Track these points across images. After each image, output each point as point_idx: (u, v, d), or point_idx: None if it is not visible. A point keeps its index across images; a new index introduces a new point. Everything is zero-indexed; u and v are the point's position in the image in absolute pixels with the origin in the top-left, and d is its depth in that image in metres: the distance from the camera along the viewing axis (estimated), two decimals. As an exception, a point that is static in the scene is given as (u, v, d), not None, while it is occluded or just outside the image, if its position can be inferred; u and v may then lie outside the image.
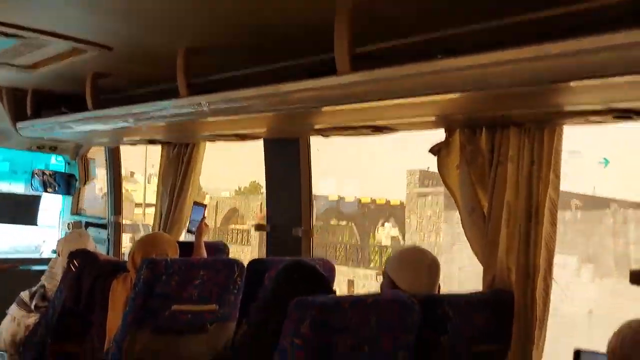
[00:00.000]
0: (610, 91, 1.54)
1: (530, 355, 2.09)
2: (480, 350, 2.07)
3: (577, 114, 1.77)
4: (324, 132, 2.62)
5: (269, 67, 2.66)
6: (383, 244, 21.34)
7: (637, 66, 1.26)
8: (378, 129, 2.39)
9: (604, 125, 1.87)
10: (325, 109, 2.21)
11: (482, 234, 2.28)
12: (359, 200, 22.64)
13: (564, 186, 2.16)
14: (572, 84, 1.46)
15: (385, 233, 23.45)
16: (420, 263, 2.17)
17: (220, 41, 2.44)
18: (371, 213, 22.90)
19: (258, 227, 3.17)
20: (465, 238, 2.33)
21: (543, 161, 2.10)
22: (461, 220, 2.38)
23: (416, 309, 1.86)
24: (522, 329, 2.10)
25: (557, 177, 2.11)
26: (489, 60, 1.54)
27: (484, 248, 2.26)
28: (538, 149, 2.09)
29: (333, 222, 21.68)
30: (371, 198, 23.08)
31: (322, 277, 2.04)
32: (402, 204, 22.42)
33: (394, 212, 22.71)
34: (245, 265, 2.56)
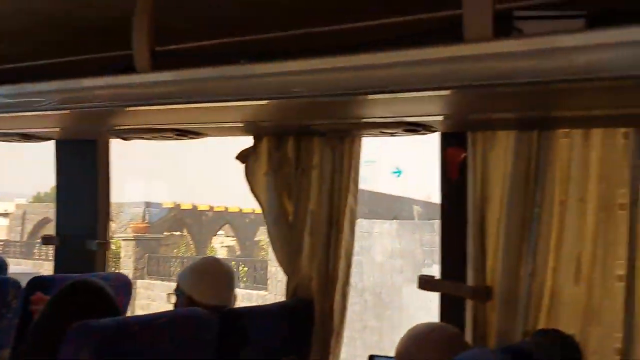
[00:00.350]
0: (401, 105, 1.62)
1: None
2: (281, 360, 2.06)
3: (373, 125, 1.85)
4: (125, 134, 2.43)
5: (62, 60, 2.39)
6: (218, 255, 20.23)
7: (424, 82, 1.33)
8: (183, 133, 2.28)
9: (398, 136, 1.98)
10: (125, 109, 2.05)
11: (287, 242, 2.28)
12: (196, 208, 21.27)
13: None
14: (367, 97, 1.50)
15: (219, 243, 22.24)
16: (218, 273, 2.08)
17: (6, 29, 2.14)
18: (209, 221, 21.67)
19: (45, 240, 2.82)
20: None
21: (343, 170, 2.17)
22: (267, 228, 2.37)
23: (214, 324, 1.78)
24: (320, 339, 2.14)
25: (356, 185, 2.20)
26: (290, 69, 1.53)
27: (288, 256, 2.26)
28: (339, 158, 2.16)
29: (167, 232, 20.17)
30: (210, 205, 21.82)
31: (108, 296, 1.85)
32: (241, 210, 21.64)
33: (233, 220, 21.53)
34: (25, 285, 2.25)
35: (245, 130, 2.31)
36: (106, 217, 2.77)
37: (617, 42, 1.18)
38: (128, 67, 1.93)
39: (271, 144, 2.32)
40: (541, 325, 1.77)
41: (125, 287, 2.35)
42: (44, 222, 23.39)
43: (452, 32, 1.32)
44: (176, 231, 20.90)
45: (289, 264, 2.26)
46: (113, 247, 17.83)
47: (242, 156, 2.40)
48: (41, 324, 1.76)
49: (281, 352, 2.06)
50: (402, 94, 1.40)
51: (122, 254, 17.69)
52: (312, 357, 2.15)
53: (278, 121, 2.04)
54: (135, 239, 17.77)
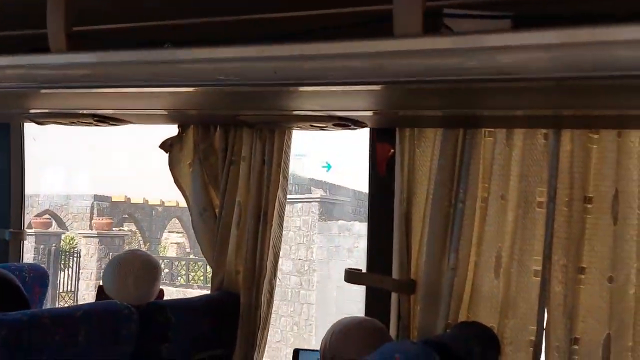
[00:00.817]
0: (331, 99, 1.60)
1: (252, 358, 2.10)
2: (204, 356, 2.00)
3: (303, 118, 1.82)
4: (40, 119, 2.28)
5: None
6: (167, 254, 18.65)
7: (353, 76, 1.31)
8: (103, 119, 2.16)
9: (327, 131, 1.96)
10: (39, 91, 1.91)
11: (213, 235, 2.22)
12: (147, 202, 20.16)
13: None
14: (296, 88, 1.47)
15: (168, 241, 20.61)
16: (128, 268, 1.92)
17: None
18: (159, 217, 20.68)
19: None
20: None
21: (273, 162, 2.13)
22: (192, 220, 2.30)
23: (134, 318, 1.70)
24: (246, 332, 2.10)
25: (286, 178, 2.17)
26: (217, 56, 1.47)
27: (214, 249, 2.21)
28: (269, 150, 2.12)
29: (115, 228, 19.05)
30: (161, 200, 20.71)
31: (17, 289, 1.73)
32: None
33: (182, 216, 19.65)
34: None
35: (169, 119, 2.22)
36: (19, 204, 2.60)
37: (540, 44, 1.20)
38: (42, 47, 1.81)
39: (197, 133, 2.24)
40: (462, 317, 1.82)
41: (41, 278, 2.22)
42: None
43: (382, 27, 1.31)
44: (122, 227, 19.64)
45: (215, 257, 2.20)
46: (67, 243, 16.63)
47: (166, 145, 2.31)
48: None
49: (206, 346, 2.01)
50: (331, 87, 1.38)
51: (82, 252, 16.18)
52: (237, 351, 2.11)
53: (204, 110, 1.98)
54: (99, 236, 16.24)
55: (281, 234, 2.17)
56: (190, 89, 1.59)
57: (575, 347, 1.68)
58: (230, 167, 2.18)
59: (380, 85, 1.36)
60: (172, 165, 2.30)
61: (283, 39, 1.36)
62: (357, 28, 1.36)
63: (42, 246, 15.52)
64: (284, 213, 2.18)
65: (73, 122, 2.28)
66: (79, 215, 19.34)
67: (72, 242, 17.37)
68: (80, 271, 15.88)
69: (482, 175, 1.82)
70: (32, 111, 2.29)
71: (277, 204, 2.15)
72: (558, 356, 1.68)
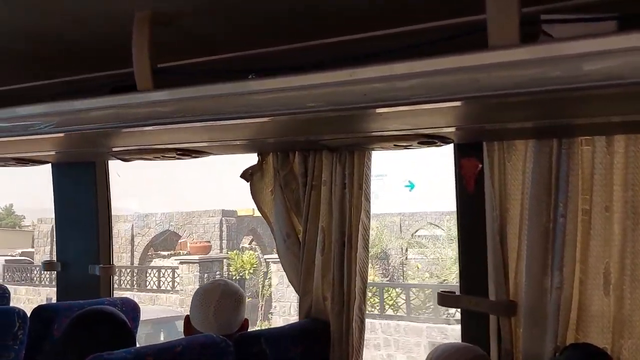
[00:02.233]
0: (417, 117, 1.55)
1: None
2: (298, 386, 1.97)
3: (387, 138, 1.78)
4: (125, 156, 2.35)
5: (58, 81, 2.32)
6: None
7: (447, 93, 1.26)
8: (186, 153, 2.20)
9: (411, 149, 1.91)
10: (125, 129, 1.97)
11: (298, 261, 2.20)
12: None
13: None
14: (384, 109, 1.43)
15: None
16: (209, 298, 1.93)
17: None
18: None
19: (47, 266, 2.73)
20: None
21: (354, 185, 2.10)
22: (276, 247, 2.29)
23: (232, 351, 1.69)
24: (338, 358, 2.05)
25: (368, 200, 2.12)
26: (297, 84, 1.45)
27: (300, 276, 2.18)
28: (349, 173, 2.09)
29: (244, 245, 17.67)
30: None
31: (124, 324, 1.77)
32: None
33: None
34: (29, 314, 2.16)
35: (249, 148, 2.23)
36: (108, 240, 2.68)
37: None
38: (128, 86, 1.86)
39: (277, 160, 2.25)
40: (570, 340, 1.71)
41: (133, 311, 2.27)
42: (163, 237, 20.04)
43: (476, 39, 1.25)
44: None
45: (300, 283, 2.18)
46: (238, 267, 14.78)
47: (247, 174, 2.33)
48: (55, 356, 1.68)
49: (298, 376, 1.98)
50: (423, 105, 1.33)
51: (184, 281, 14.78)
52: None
53: (283, 137, 1.97)
54: (200, 261, 14.72)
55: (367, 258, 2.12)
56: (276, 118, 1.59)
57: None
58: (312, 192, 2.16)
59: (472, 100, 1.30)
60: (254, 193, 2.31)
61: (372, 59, 1.32)
62: (449, 41, 1.31)
63: (205, 274, 14.34)
64: (368, 236, 2.13)
65: (157, 157, 2.33)
66: (207, 235, 18.09)
67: (248, 266, 15.28)
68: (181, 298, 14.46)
69: (583, 186, 1.71)
70: (116, 149, 2.36)
71: (360, 227, 2.11)
72: (686, 379, 1.55)
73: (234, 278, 14.52)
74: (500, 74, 1.23)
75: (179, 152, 2.22)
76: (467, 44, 1.27)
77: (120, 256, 19.55)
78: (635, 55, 1.14)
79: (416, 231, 18.40)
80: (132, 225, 19.92)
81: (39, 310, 2.15)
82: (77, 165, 2.69)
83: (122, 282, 16.69)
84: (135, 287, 16.52)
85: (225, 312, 1.92)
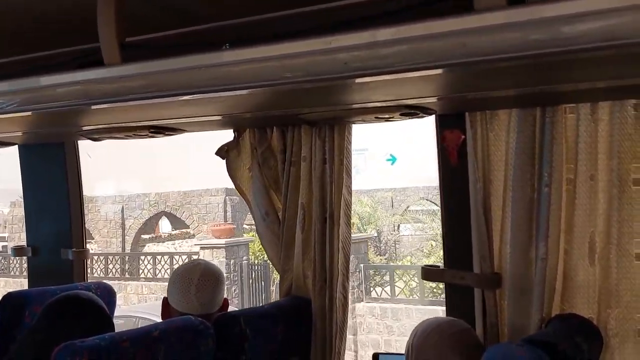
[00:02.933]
0: (400, 87, 1.50)
1: (330, 363, 2.02)
2: (282, 366, 1.93)
3: (368, 110, 1.72)
4: (94, 135, 2.25)
5: (21, 58, 2.20)
6: None
7: (433, 59, 1.21)
8: (159, 130, 2.11)
9: (392, 121, 1.86)
10: (94, 107, 1.87)
11: (278, 239, 2.15)
12: None
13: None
14: (366, 79, 1.37)
15: None
16: (189, 278, 1.89)
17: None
18: None
19: (17, 251, 2.63)
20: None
21: (335, 160, 2.04)
22: (255, 225, 2.24)
23: (211, 333, 1.64)
24: (321, 338, 2.02)
25: (349, 175, 2.07)
26: (273, 53, 1.38)
27: (280, 254, 2.13)
28: (330, 148, 2.03)
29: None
30: None
31: (101, 309, 1.71)
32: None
33: None
34: (-1, 301, 2.08)
35: (225, 124, 2.16)
36: (80, 223, 2.59)
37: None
38: (94, 62, 1.76)
39: (254, 136, 2.18)
40: (556, 310, 1.69)
41: (109, 295, 2.20)
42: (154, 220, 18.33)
43: (458, 2, 1.20)
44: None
45: (281, 262, 2.13)
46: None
47: (223, 151, 2.26)
48: (28, 344, 1.61)
49: (282, 354, 1.94)
50: (407, 73, 1.27)
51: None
52: (313, 358, 2.03)
53: (263, 112, 1.90)
54: (226, 245, 12.62)
55: (350, 235, 2.08)
56: (253, 91, 1.51)
57: (691, 334, 1.53)
58: (291, 169, 2.10)
59: (460, 66, 1.25)
60: (231, 170, 2.24)
61: (352, 26, 1.26)
62: (432, 5, 1.25)
63: (232, 261, 12.55)
64: (350, 212, 2.09)
65: (128, 136, 2.24)
66: (209, 216, 16.63)
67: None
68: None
69: (567, 155, 1.68)
70: (86, 128, 2.27)
71: (342, 203, 2.06)
72: (672, 346, 1.54)
73: (255, 263, 13.04)
74: (487, 38, 1.18)
75: (151, 130, 2.13)
76: (452, 8, 1.21)
77: (109, 242, 18.48)
78: (625, 15, 1.10)
79: (407, 207, 18.32)
80: (123, 207, 18.59)
81: (8, 297, 2.07)
82: (46, 147, 2.58)
83: (109, 271, 15.00)
84: (126, 275, 14.97)
85: (206, 291, 1.89)
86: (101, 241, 18.73)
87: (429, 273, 1.92)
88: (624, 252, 1.61)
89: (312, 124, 1.99)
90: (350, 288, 2.09)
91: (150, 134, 2.18)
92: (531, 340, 1.33)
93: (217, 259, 12.67)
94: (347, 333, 2.08)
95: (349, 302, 2.07)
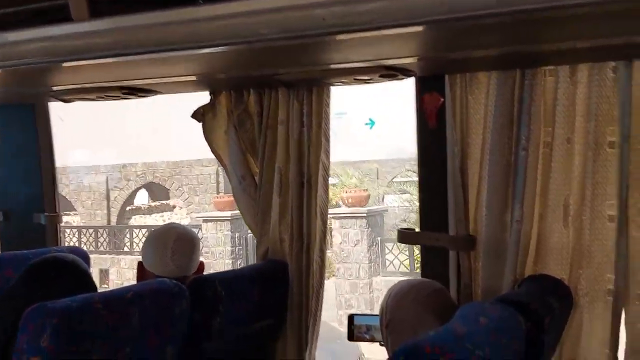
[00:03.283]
0: (378, 46, 1.47)
1: (307, 325, 2.02)
2: (257, 327, 1.94)
3: (347, 71, 1.69)
4: (65, 96, 2.19)
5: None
6: None
7: (411, 16, 1.18)
8: (131, 91, 2.06)
9: (371, 83, 1.83)
10: (62, 64, 1.81)
11: (254, 203, 2.13)
12: None
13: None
14: (345, 36, 1.34)
15: None
16: (164, 242, 1.87)
17: None
18: None
19: (-12, 216, 2.57)
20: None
21: (313, 124, 2.02)
22: (232, 189, 2.21)
23: (186, 295, 1.63)
24: (298, 301, 2.02)
25: (327, 140, 2.05)
26: (249, 8, 1.34)
27: (256, 218, 2.12)
28: (307, 111, 2.00)
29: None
30: None
31: (82, 270, 1.68)
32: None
33: None
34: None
35: (200, 85, 2.11)
36: (52, 187, 2.53)
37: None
38: (62, 17, 1.69)
39: (230, 99, 2.13)
40: (529, 272, 1.71)
41: (84, 260, 2.16)
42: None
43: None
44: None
45: (257, 226, 2.12)
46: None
47: (199, 114, 2.21)
48: (6, 310, 1.57)
49: (258, 317, 1.94)
50: (385, 30, 1.24)
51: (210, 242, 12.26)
52: (289, 320, 2.04)
53: (239, 72, 1.85)
54: (232, 218, 11.82)
55: (327, 198, 2.07)
56: (228, 48, 1.47)
57: (659, 294, 1.56)
58: (267, 132, 2.07)
59: (440, 24, 1.23)
60: (207, 134, 2.20)
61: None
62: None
63: (237, 234, 11.93)
64: (328, 176, 2.07)
65: (100, 97, 2.18)
66: (201, 187, 15.85)
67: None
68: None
69: (545, 118, 1.68)
70: (56, 88, 2.20)
71: (320, 167, 2.04)
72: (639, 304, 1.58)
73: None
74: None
75: (123, 91, 2.07)
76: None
77: (94, 214, 17.58)
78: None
79: (393, 178, 18.21)
80: (107, 177, 17.81)
81: None
82: (15, 108, 2.50)
83: (100, 244, 14.54)
84: (119, 249, 14.36)
85: (182, 253, 1.87)
86: (84, 213, 17.96)
87: (404, 236, 1.93)
88: (597, 214, 1.62)
89: (289, 86, 1.95)
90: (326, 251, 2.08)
91: (123, 95, 2.12)
92: (503, 299, 1.35)
93: (222, 232, 12.19)
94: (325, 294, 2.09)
95: (325, 265, 2.07)
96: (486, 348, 1.00)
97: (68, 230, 15.22)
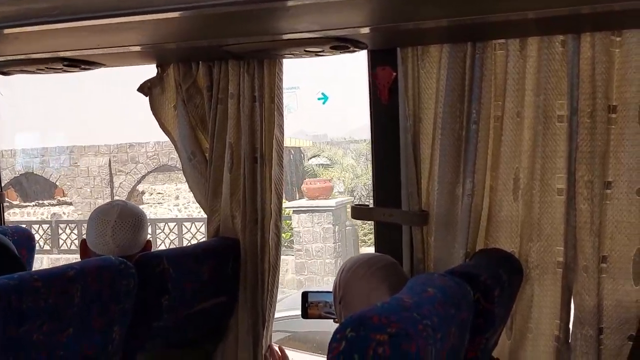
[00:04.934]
0: (326, 14, 1.43)
1: (263, 303, 2.00)
2: (207, 305, 1.89)
3: (296, 42, 1.65)
4: (2, 68, 2.07)
5: None
6: None
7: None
8: (73, 63, 1.96)
9: (323, 56, 1.79)
10: (-3, 33, 1.70)
11: (205, 180, 2.08)
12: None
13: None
14: (289, 3, 1.29)
15: None
16: (105, 219, 1.82)
17: None
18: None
19: None
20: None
21: (265, 98, 1.97)
22: (182, 166, 2.15)
23: (132, 272, 1.57)
24: (252, 278, 1.99)
25: (281, 114, 2.01)
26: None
27: (207, 195, 2.06)
28: (259, 85, 1.95)
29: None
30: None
31: (10, 251, 1.60)
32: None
33: None
34: None
35: (146, 57, 2.02)
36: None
37: None
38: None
39: (178, 72, 2.06)
40: (480, 245, 1.72)
41: (27, 240, 2.08)
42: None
43: None
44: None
45: (208, 203, 2.06)
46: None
47: (145, 88, 2.13)
48: None
49: (209, 295, 1.90)
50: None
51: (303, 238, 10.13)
52: (242, 297, 2.01)
53: (185, 42, 1.78)
54: (336, 207, 10.00)
55: (282, 174, 2.03)
56: (173, 15, 1.41)
57: (604, 265, 1.59)
58: (218, 107, 2.01)
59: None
60: (155, 109, 2.12)
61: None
62: None
63: (337, 226, 10.05)
64: (282, 151, 2.03)
65: (40, 70, 2.07)
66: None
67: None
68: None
69: (495, 92, 1.68)
70: (-8, 60, 2.08)
71: (274, 142, 2.00)
72: (587, 276, 1.60)
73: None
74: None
75: (65, 63, 1.97)
76: None
77: (94, 203, 14.07)
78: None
79: None
80: (110, 159, 14.92)
81: None
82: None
83: None
84: None
85: (123, 232, 1.82)
86: (81, 203, 15.04)
87: (358, 211, 1.91)
88: (546, 188, 1.64)
89: (239, 58, 1.89)
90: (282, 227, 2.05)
91: (65, 68, 2.02)
92: (453, 271, 1.34)
93: (320, 226, 10.02)
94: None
95: (281, 242, 2.04)
96: (434, 317, 0.99)
97: (63, 226, 13.09)
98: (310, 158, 16.52)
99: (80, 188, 14.91)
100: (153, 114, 2.14)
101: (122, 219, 1.81)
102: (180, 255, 1.83)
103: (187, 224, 12.05)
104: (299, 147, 16.76)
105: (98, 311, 1.52)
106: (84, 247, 1.84)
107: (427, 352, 0.94)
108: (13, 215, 14.23)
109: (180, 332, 1.86)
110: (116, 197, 14.27)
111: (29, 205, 15.28)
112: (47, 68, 2.05)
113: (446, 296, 1.10)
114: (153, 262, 1.69)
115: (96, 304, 1.51)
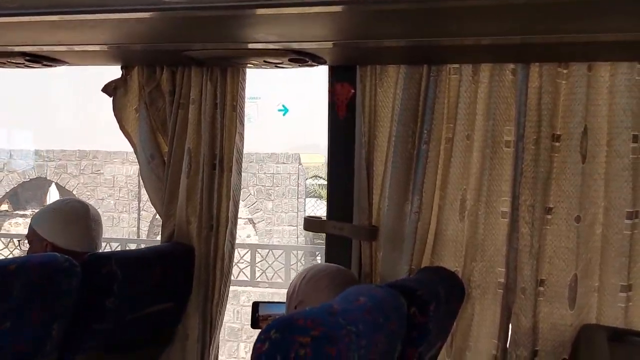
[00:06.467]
0: (286, 26, 1.46)
1: (211, 312, 1.99)
2: (153, 310, 1.88)
3: (256, 52, 1.68)
4: (-39, 59, 2.05)
5: None
6: None
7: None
8: (35, 59, 1.96)
9: (283, 68, 1.83)
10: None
11: (162, 184, 2.08)
12: None
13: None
14: (250, 11, 1.33)
15: None
16: (81, 215, 1.90)
17: None
18: None
19: None
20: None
21: (227, 105, 1.99)
22: (140, 169, 2.15)
23: (76, 271, 1.56)
24: (204, 285, 1.99)
25: (242, 123, 2.03)
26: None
27: (163, 198, 2.06)
28: (221, 92, 1.97)
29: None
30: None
31: None
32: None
33: None
34: None
35: (111, 58, 2.03)
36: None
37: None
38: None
39: (142, 75, 2.07)
40: (425, 263, 1.76)
41: None
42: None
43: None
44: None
45: (164, 207, 2.06)
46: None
47: (110, 88, 2.14)
48: None
49: (156, 299, 1.89)
50: (290, 8, 1.24)
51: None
52: (193, 304, 2.00)
53: (149, 44, 1.80)
54: None
55: (240, 183, 2.04)
56: (132, 15, 1.43)
57: (541, 288, 1.64)
58: (179, 112, 2.02)
59: (343, 5, 1.23)
60: (117, 110, 2.13)
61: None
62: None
63: None
64: (242, 159, 2.05)
65: (2, 64, 2.06)
66: (277, 190, 12.34)
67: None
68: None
69: (447, 114, 1.73)
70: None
71: (235, 150, 2.01)
72: (524, 297, 1.64)
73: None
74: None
75: (27, 58, 1.97)
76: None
77: (118, 218, 12.37)
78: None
79: None
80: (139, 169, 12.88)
81: None
82: None
83: None
84: None
85: (94, 229, 1.91)
86: (103, 217, 13.17)
87: (310, 224, 1.93)
88: (491, 210, 1.69)
89: (201, 63, 1.91)
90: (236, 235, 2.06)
91: (27, 63, 2.01)
92: (391, 284, 1.37)
93: None
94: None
95: (235, 249, 2.05)
96: (359, 324, 1.01)
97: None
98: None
99: (102, 199, 12.71)
100: (114, 114, 2.15)
101: (95, 214, 1.93)
102: (130, 258, 1.83)
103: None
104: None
105: (38, 307, 1.50)
106: (37, 242, 1.85)
107: (350, 357, 0.96)
108: (15, 226, 12.62)
109: (123, 335, 1.84)
110: (143, 212, 12.70)
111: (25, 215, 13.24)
112: (8, 62, 2.04)
113: (376, 305, 1.13)
114: (101, 262, 1.68)
115: (36, 299, 1.49)
